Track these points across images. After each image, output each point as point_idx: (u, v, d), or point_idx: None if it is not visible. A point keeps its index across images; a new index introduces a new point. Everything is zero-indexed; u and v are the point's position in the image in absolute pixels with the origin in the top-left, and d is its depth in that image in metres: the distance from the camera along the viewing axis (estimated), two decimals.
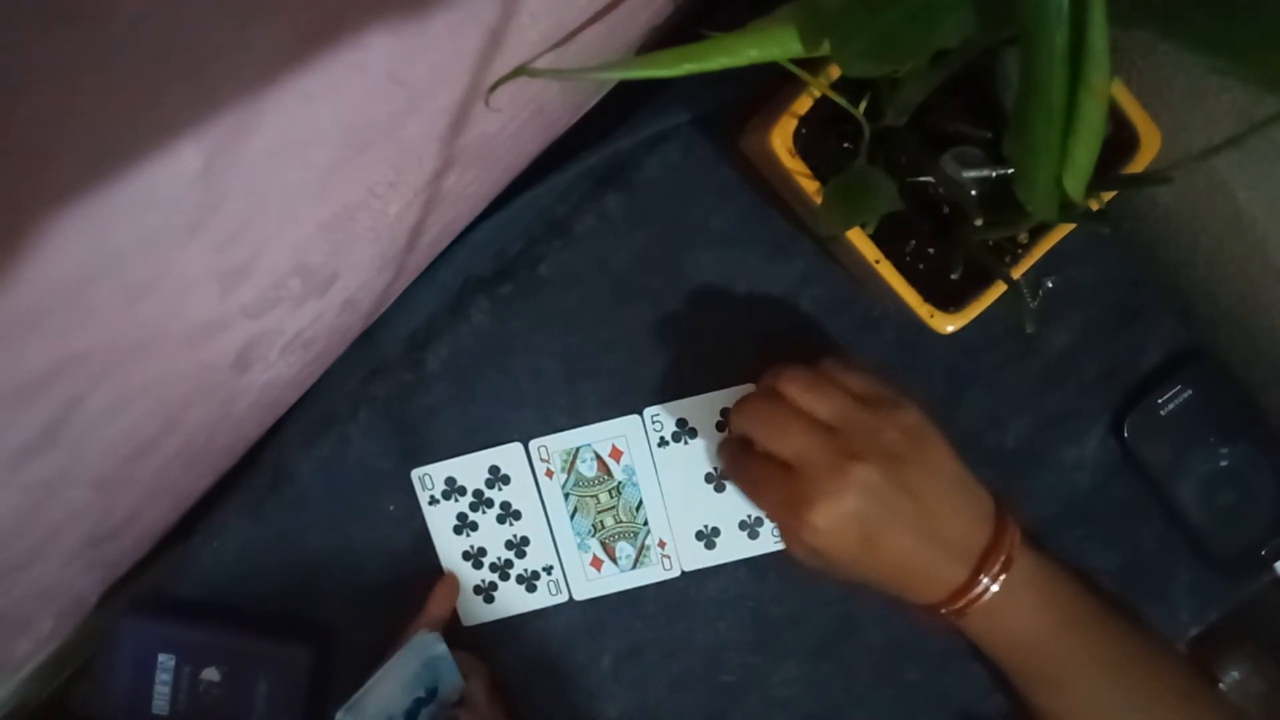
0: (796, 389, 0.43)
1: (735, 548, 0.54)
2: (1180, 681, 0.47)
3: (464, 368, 0.53)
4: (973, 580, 0.43)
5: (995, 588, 0.43)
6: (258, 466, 0.55)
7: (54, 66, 0.18)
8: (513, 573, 0.55)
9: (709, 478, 0.54)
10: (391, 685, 0.49)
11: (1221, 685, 0.60)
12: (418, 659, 0.49)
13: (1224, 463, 0.52)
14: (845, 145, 0.45)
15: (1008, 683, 0.50)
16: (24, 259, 0.21)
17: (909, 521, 0.42)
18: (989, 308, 0.44)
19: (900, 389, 0.45)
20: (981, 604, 0.43)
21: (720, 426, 0.53)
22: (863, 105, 0.41)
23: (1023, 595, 0.44)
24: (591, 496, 0.54)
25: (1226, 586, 0.55)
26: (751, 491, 0.47)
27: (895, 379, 0.46)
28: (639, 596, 0.55)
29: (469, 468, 0.53)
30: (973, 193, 0.43)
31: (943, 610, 0.44)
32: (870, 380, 0.45)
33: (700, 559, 0.54)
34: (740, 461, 0.47)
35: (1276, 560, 0.53)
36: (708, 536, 0.54)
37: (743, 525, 0.54)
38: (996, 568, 0.43)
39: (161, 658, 0.51)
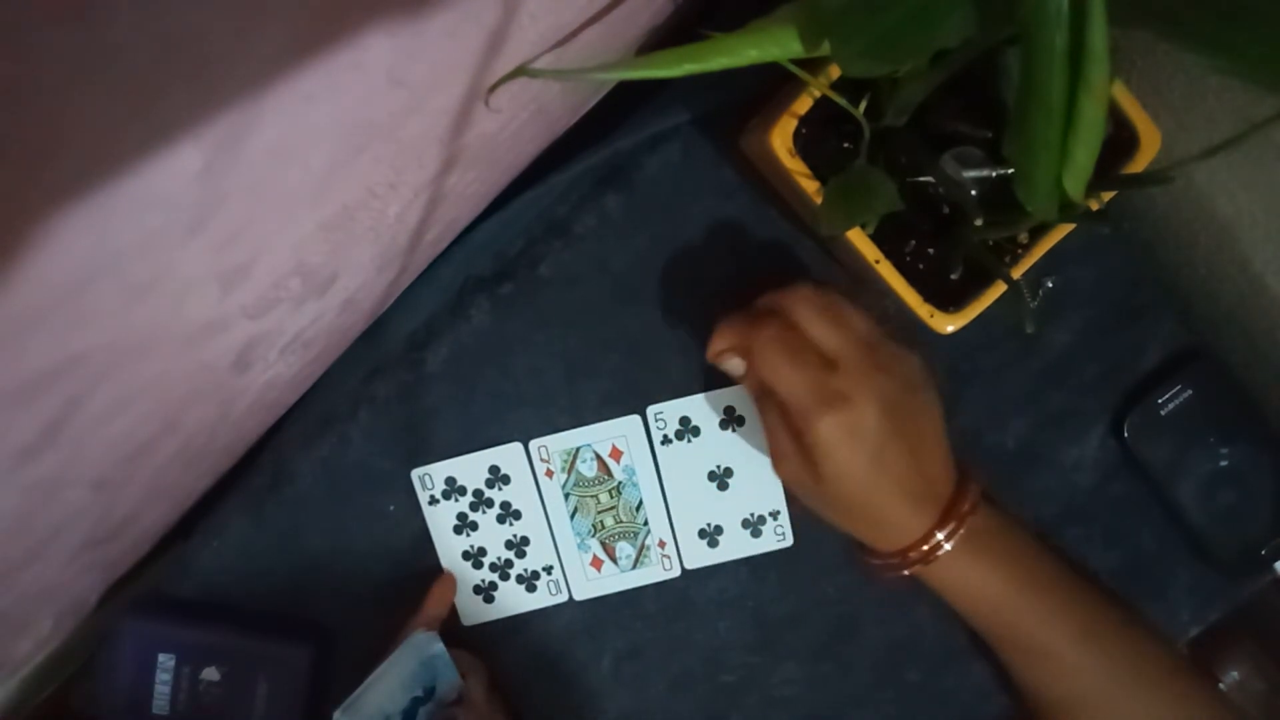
0: (845, 300, 0.46)
1: (738, 546, 0.54)
2: (1165, 659, 0.47)
3: (464, 368, 0.53)
4: (936, 527, 0.45)
5: (954, 537, 0.45)
6: (258, 466, 0.55)
7: (54, 66, 0.18)
8: (513, 572, 0.55)
9: (712, 475, 0.54)
10: (389, 684, 0.49)
11: (1221, 685, 0.61)
12: (415, 658, 0.49)
13: (1224, 463, 0.52)
14: (845, 145, 0.45)
15: (1008, 680, 0.50)
16: (24, 259, 0.21)
17: (912, 444, 0.44)
18: (989, 308, 0.44)
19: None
20: (942, 554, 0.45)
21: (724, 425, 0.53)
22: (863, 105, 0.41)
23: (980, 546, 0.45)
24: (591, 496, 0.54)
25: (1226, 586, 0.54)
26: (781, 360, 0.44)
27: None
28: (639, 596, 0.55)
29: (469, 468, 0.53)
30: (973, 193, 0.43)
31: (906, 559, 0.45)
32: (892, 326, 0.47)
33: (703, 557, 0.54)
34: (773, 329, 0.45)
35: (1276, 560, 0.53)
36: (710, 534, 0.54)
37: (745, 523, 0.54)
38: (958, 516, 0.45)
39: (161, 658, 0.51)
